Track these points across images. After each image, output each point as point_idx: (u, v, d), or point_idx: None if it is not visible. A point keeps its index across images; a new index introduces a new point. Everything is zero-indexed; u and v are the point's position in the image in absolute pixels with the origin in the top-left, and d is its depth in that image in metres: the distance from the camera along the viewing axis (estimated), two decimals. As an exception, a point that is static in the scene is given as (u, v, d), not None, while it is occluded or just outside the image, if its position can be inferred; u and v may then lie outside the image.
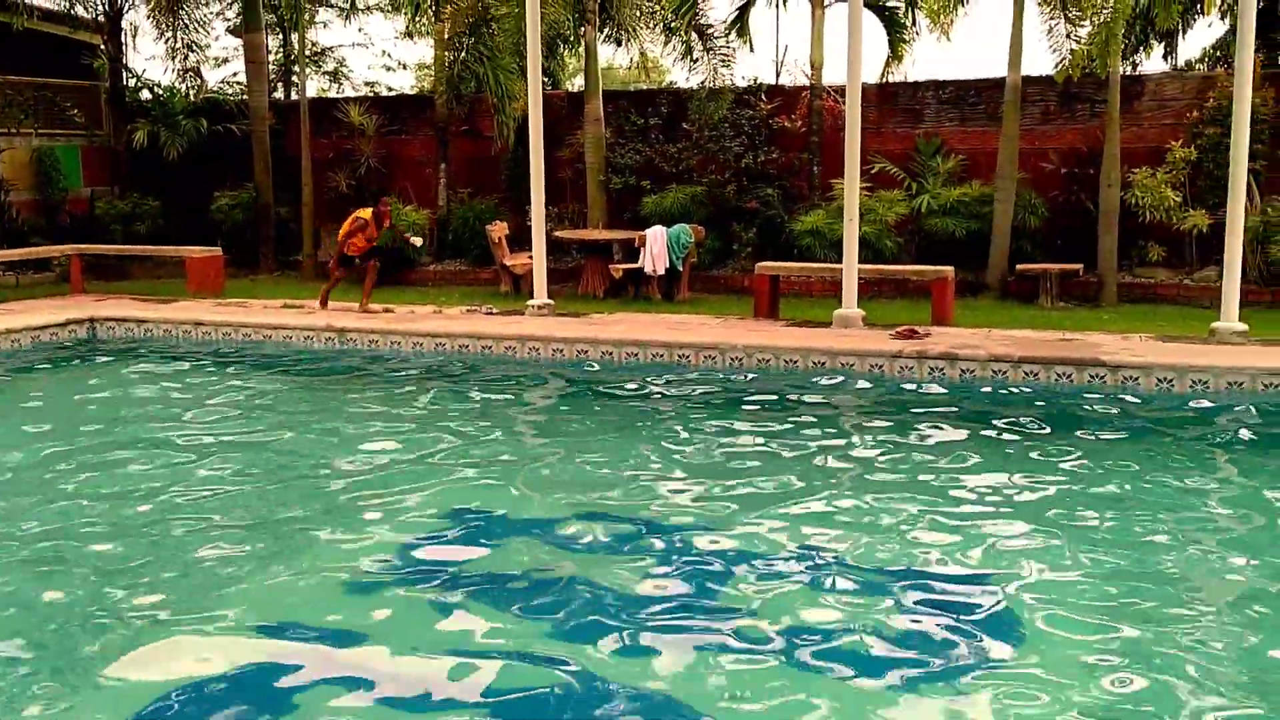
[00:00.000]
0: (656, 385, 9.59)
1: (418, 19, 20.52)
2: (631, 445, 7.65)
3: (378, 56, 36.48)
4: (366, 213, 13.28)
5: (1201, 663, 4.24)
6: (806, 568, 5.25)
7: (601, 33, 18.08)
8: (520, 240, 16.19)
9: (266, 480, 6.75)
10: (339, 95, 23.54)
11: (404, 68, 27.48)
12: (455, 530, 5.83)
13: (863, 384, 9.48)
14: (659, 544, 5.61)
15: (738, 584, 5.06)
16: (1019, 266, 14.57)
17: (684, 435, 7.87)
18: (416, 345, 11.13)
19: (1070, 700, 3.92)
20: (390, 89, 25.75)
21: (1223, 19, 18.54)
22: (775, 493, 6.45)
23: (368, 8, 23.57)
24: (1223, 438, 7.86)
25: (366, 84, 25.84)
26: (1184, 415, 8.35)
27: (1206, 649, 4.40)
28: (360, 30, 31.39)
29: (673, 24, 17.06)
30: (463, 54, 16.58)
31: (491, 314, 12.63)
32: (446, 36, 17.14)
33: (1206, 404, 8.57)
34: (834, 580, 5.11)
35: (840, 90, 15.01)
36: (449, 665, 4.25)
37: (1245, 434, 7.87)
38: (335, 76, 25.55)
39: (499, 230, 16.00)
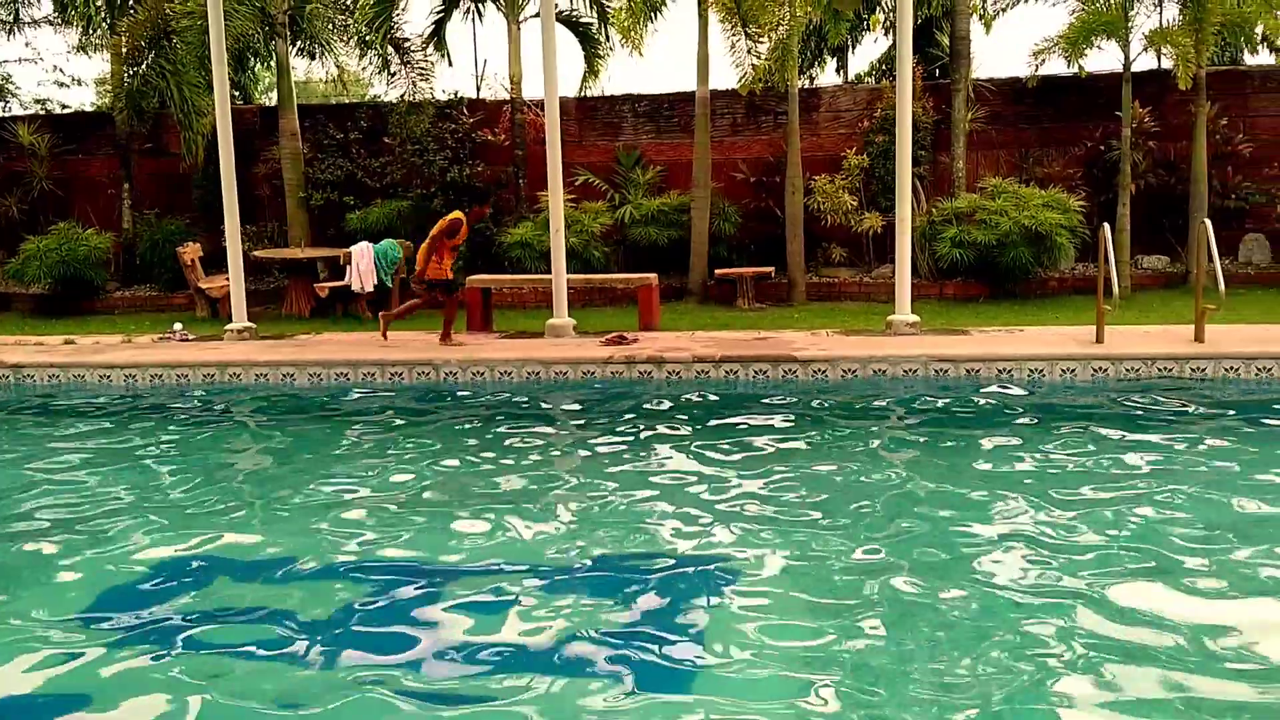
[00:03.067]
0: (368, 405, 9.43)
1: (91, 32, 19.22)
2: (340, 469, 7.47)
3: (49, 72, 33.83)
4: (458, 213, 11.37)
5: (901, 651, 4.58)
6: (526, 574, 5.31)
7: (294, 45, 17.58)
8: (216, 262, 15.49)
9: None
10: (6, 114, 21.71)
11: (79, 84, 25.68)
12: (153, 575, 5.51)
13: (576, 390, 9.68)
14: (374, 568, 5.53)
15: (443, 594, 5.05)
16: (718, 271, 15.29)
17: (390, 455, 7.76)
18: (104, 378, 10.40)
19: (779, 691, 4.10)
20: (65, 106, 23.99)
21: (886, 35, 20.20)
22: (485, 501, 6.48)
23: (34, 21, 21.84)
24: (901, 419, 8.55)
25: (37, 101, 23.93)
26: (867, 403, 9.04)
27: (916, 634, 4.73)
28: (28, 45, 28.94)
29: (368, 37, 16.81)
30: (143, 68, 15.66)
31: (186, 339, 12.00)
32: (124, 50, 16.15)
33: (886, 389, 9.33)
34: (543, 580, 5.19)
35: (541, 104, 15.25)
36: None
37: (919, 414, 8.60)
38: (1, 94, 23.52)
39: (191, 252, 15.25)
